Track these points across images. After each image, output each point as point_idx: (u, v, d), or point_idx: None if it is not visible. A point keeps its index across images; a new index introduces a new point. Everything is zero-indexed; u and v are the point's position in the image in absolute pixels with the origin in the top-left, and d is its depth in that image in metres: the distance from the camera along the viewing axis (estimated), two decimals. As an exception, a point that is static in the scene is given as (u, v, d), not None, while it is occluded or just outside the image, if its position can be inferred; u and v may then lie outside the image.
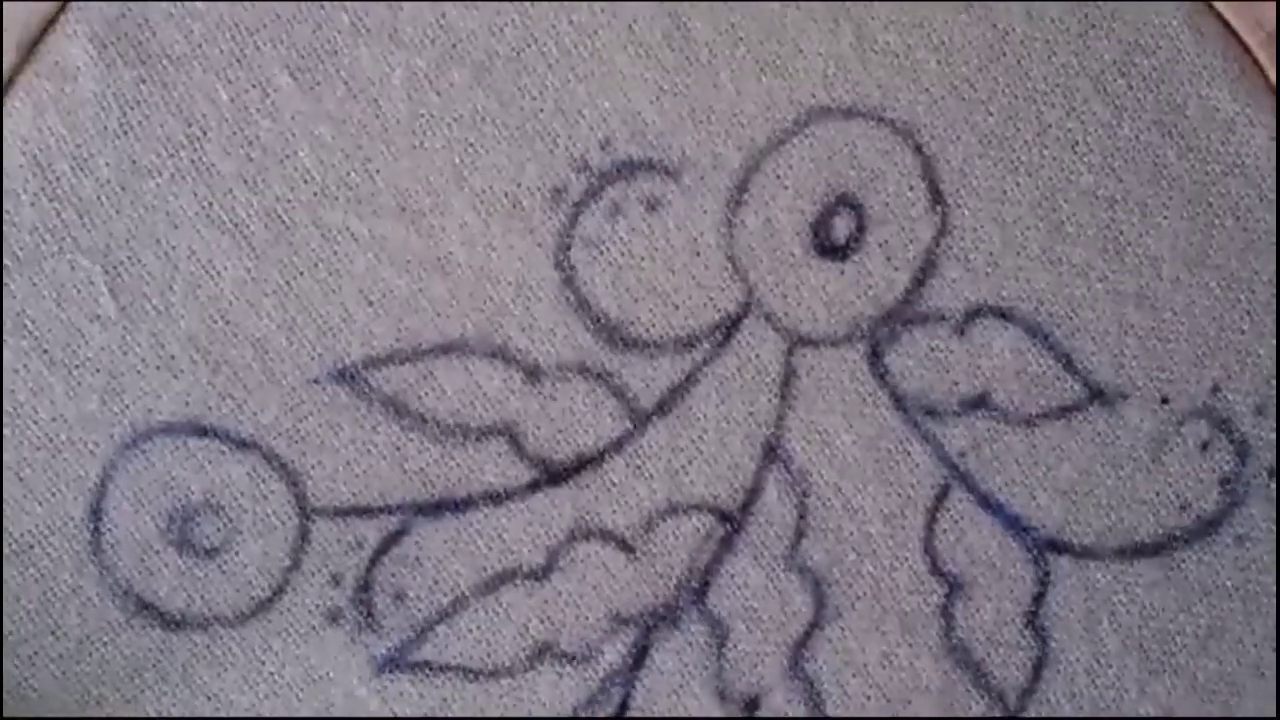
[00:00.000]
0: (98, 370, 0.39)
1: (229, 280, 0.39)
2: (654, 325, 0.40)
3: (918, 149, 0.41)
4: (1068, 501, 0.41)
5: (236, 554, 0.40)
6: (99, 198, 0.39)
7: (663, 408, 0.41)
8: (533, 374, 0.40)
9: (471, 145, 0.40)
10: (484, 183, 0.40)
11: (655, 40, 0.40)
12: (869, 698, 0.41)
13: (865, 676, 0.41)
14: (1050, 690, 0.42)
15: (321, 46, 0.39)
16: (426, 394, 0.40)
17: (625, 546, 0.41)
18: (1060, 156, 0.41)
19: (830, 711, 0.41)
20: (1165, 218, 0.41)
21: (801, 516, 0.41)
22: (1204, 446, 0.41)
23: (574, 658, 0.41)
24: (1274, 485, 0.42)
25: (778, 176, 0.40)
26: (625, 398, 0.40)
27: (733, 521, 0.41)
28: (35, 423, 0.39)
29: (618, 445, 0.40)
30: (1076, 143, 0.41)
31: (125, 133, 0.39)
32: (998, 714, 0.42)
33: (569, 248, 0.40)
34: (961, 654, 0.42)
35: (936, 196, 0.41)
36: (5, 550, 0.39)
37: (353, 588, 0.40)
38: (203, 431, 0.39)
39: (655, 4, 0.40)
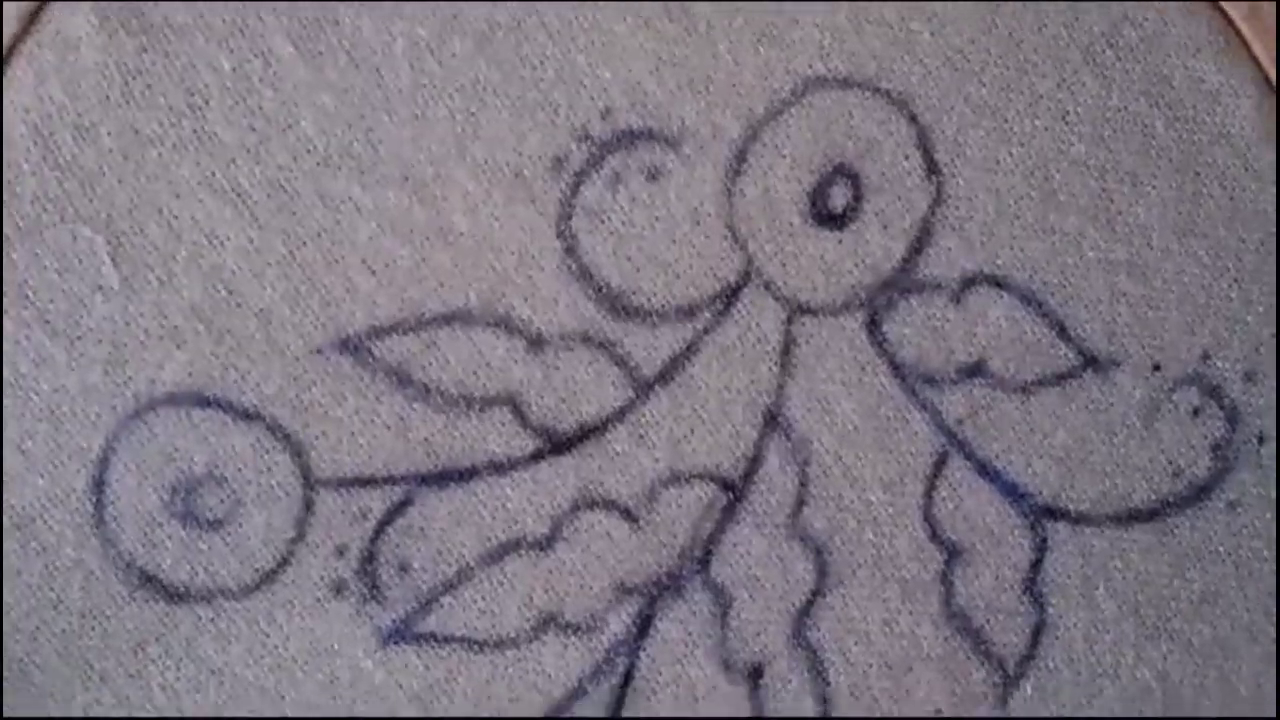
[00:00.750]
0: (100, 341, 0.40)
1: (232, 250, 0.40)
2: (655, 294, 0.42)
3: (913, 119, 0.42)
4: (1063, 468, 0.43)
5: (240, 526, 0.41)
6: (101, 167, 0.40)
7: (664, 377, 0.42)
8: (536, 343, 0.41)
9: (473, 115, 0.41)
10: (486, 152, 0.41)
11: (654, 11, 0.41)
12: (871, 665, 0.43)
13: (867, 644, 0.43)
14: (1049, 656, 0.43)
15: (324, 16, 0.40)
16: (430, 364, 0.41)
17: (629, 516, 0.42)
18: (1052, 126, 0.42)
19: (833, 679, 0.42)
20: (1154, 187, 0.43)
21: (802, 484, 0.42)
22: (1195, 413, 0.43)
23: (579, 628, 0.42)
24: (1263, 451, 0.43)
25: (776, 146, 0.42)
26: (627, 366, 0.42)
27: (735, 490, 0.42)
28: (37, 394, 0.40)
29: (620, 414, 0.42)
30: (1067, 113, 0.42)
31: (127, 102, 0.40)
32: (998, 680, 0.43)
33: (571, 217, 0.41)
34: (961, 621, 0.43)
35: (931, 166, 0.42)
36: (6, 524, 0.40)
37: (357, 559, 0.41)
38: (206, 402, 0.40)
39: (655, -25, 0.41)
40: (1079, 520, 0.43)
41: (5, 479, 0.40)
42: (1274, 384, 0.43)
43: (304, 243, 0.40)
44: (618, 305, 0.42)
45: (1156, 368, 0.43)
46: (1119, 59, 0.43)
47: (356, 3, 0.40)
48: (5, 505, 0.40)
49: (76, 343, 0.40)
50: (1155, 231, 0.43)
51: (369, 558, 0.41)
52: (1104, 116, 0.43)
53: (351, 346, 0.41)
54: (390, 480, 0.41)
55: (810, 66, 0.42)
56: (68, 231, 0.40)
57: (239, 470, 0.41)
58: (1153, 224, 0.43)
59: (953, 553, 0.43)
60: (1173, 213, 0.43)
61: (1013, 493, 0.43)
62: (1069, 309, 0.43)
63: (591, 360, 0.41)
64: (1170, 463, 0.43)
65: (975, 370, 0.43)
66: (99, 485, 0.40)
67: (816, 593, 0.43)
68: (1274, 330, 0.43)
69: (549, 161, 0.41)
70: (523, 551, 0.42)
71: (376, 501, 0.41)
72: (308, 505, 0.41)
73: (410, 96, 0.41)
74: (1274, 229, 0.43)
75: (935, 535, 0.43)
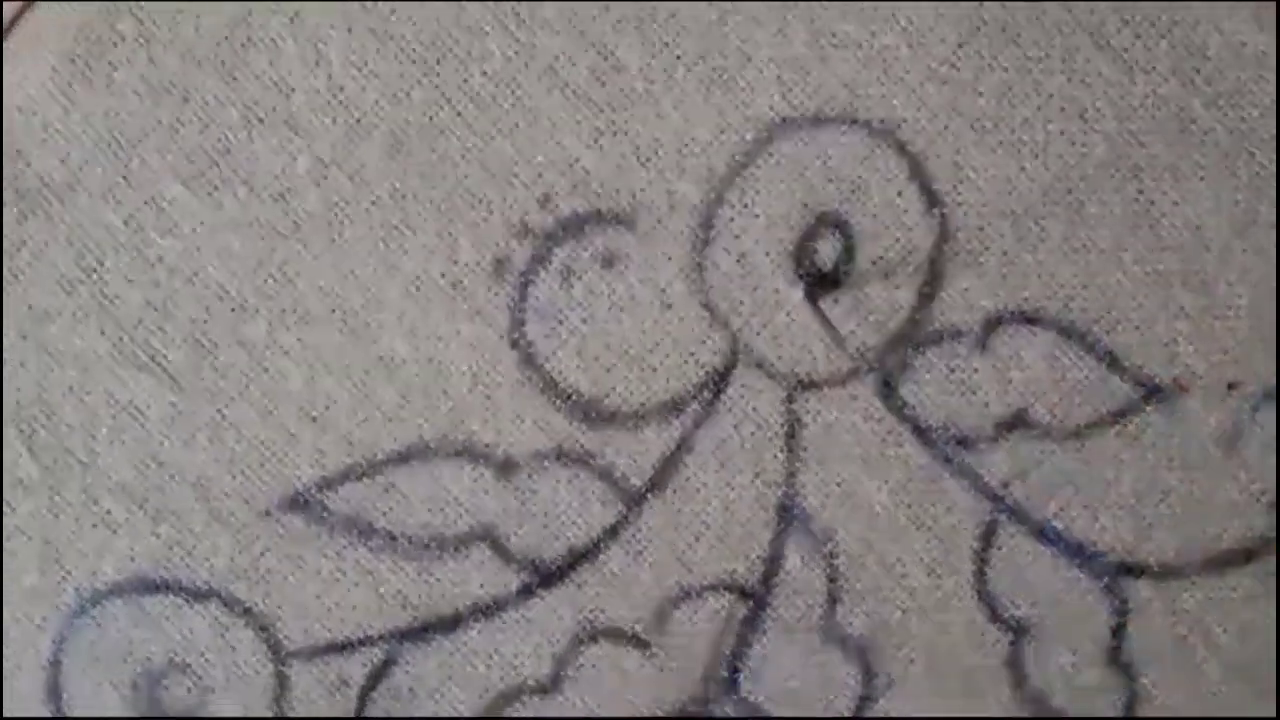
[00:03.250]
0: (30, 539, 0.41)
1: (155, 420, 0.40)
2: (632, 394, 0.41)
3: (901, 148, 0.41)
4: (1136, 518, 0.42)
5: (213, 714, 0.41)
6: (-1, 352, 0.40)
7: (656, 484, 0.41)
8: (505, 469, 0.41)
9: (396, 228, 0.40)
10: (417, 267, 0.40)
11: (581, 77, 0.40)
12: (941, 769, 0.41)
13: (932, 747, 0.41)
14: (1148, 732, 0.42)
15: (212, 147, 0.40)
16: (391, 508, 0.41)
17: (638, 643, 0.42)
18: (1068, 129, 0.40)
19: (900, 791, 0.41)
20: (1201, 178, 0.41)
21: (832, 581, 0.41)
22: (1285, 431, 0.41)
23: (602, 774, 0.41)
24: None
25: (745, 205, 0.41)
26: (612, 479, 0.41)
27: (755, 597, 0.41)
28: (-26, 604, 0.40)
29: (612, 533, 0.41)
30: (1084, 110, 0.40)
31: (15, 278, 0.40)
32: (1091, 765, 0.41)
33: (523, 323, 0.41)
34: (1039, 706, 0.42)
35: (931, 198, 0.41)
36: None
37: (345, 732, 0.41)
38: (155, 587, 0.41)
39: (575, 37, 0.39)
40: (1163, 575, 0.42)
41: (-44, 700, 0.40)
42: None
43: (231, 399, 0.40)
44: (590, 413, 0.41)
45: (1231, 386, 0.41)
46: (1137, 37, 0.40)
47: (246, 126, 0.39)
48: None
49: (6, 545, 0.40)
50: (1208, 231, 0.41)
51: (358, 729, 0.41)
52: (1129, 108, 0.40)
53: (301, 503, 0.41)
54: (367, 641, 0.41)
55: (771, 108, 0.40)
56: (-25, 428, 0.40)
57: (202, 654, 0.41)
58: (1204, 223, 0.41)
59: (1019, 632, 0.42)
60: (1227, 206, 0.41)
61: (1079, 554, 0.41)
62: (1117, 336, 0.41)
63: (570, 478, 0.41)
64: (1263, 492, 0.41)
65: (1015, 423, 0.41)
66: (55, 692, 0.41)
67: (865, 699, 0.42)
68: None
69: (489, 265, 0.40)
70: (526, 698, 0.42)
71: (356, 667, 0.41)
72: (282, 682, 0.41)
73: (323, 220, 0.40)
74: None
75: (995, 615, 0.42)
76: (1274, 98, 0.40)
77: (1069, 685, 0.42)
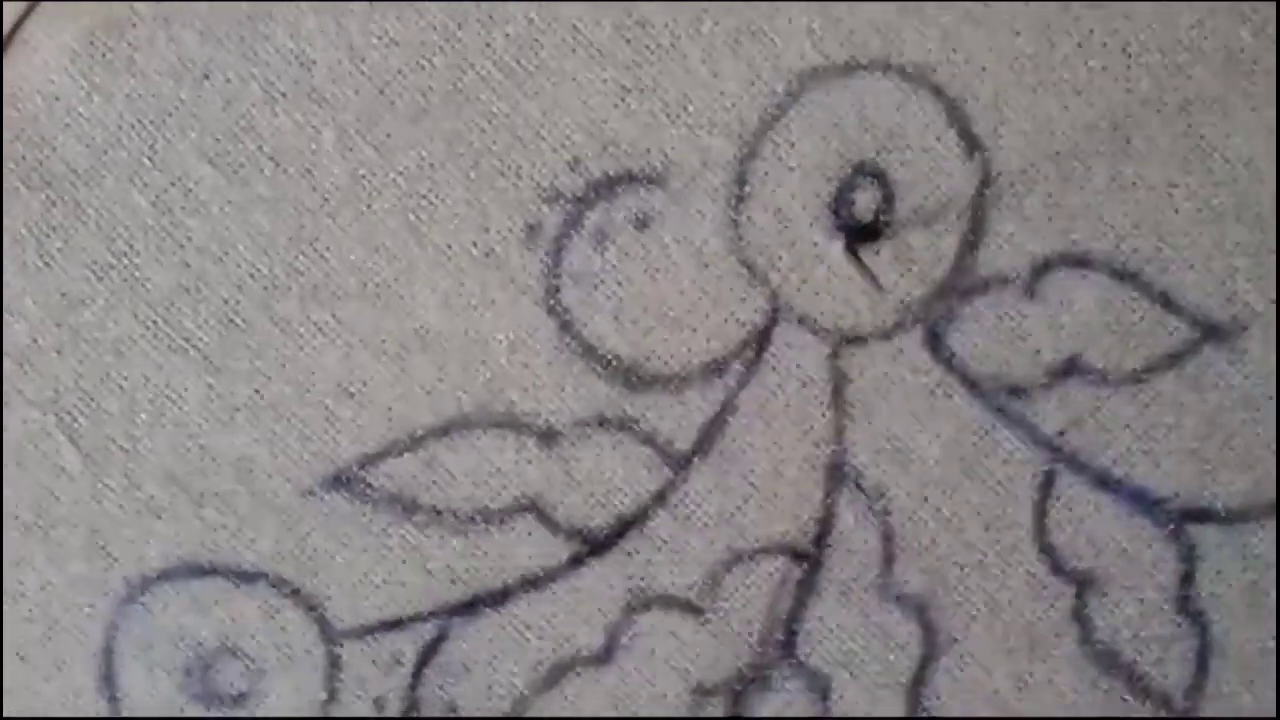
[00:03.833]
0: (75, 527, 0.41)
1: (194, 403, 0.41)
2: (672, 357, 0.41)
3: (938, 92, 0.40)
4: (1199, 461, 0.41)
5: (266, 696, 0.42)
6: (35, 342, 0.40)
7: (702, 447, 0.41)
8: (548, 438, 0.41)
9: (425, 198, 0.40)
10: (448, 237, 0.40)
11: (605, 36, 0.40)
12: (1008, 727, 0.41)
13: (999, 707, 0.41)
14: (1221, 681, 0.42)
15: (236, 124, 0.40)
16: (435, 483, 0.41)
17: (692, 609, 0.42)
18: (1111, 65, 0.40)
19: (966, 750, 0.41)
20: (1252, 109, 0.40)
21: (887, 539, 0.41)
22: (1354, 363, 0.41)
23: (660, 743, 0.41)
24: None
25: (779, 159, 0.40)
26: (656, 444, 0.41)
27: (809, 559, 0.41)
28: (24, 595, 0.41)
29: (659, 498, 0.41)
30: (1127, 44, 0.40)
31: (48, 265, 0.40)
32: (1164, 718, 0.41)
33: (559, 290, 0.40)
34: (1108, 660, 0.42)
35: (971, 142, 0.40)
36: (19, 740, 0.41)
37: (399, 710, 0.42)
38: (202, 571, 0.41)
39: (597, -4, 0.39)
40: (1229, 519, 0.41)
41: (9, 692, 0.41)
42: None
43: (269, 379, 0.41)
44: (632, 378, 0.41)
45: None
46: (1180, -35, 0.39)
47: (270, 101, 0.40)
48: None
49: (51, 534, 0.41)
50: (1261, 163, 0.40)
51: (412, 706, 0.42)
52: (1174, 40, 0.40)
53: (344, 481, 0.41)
54: (418, 618, 0.41)
55: (803, 58, 0.40)
56: (16, 419, 0.40)
57: (253, 637, 0.41)
58: (1256, 156, 0.40)
59: (1083, 583, 0.41)
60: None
61: (1142, 501, 0.41)
62: (1171, 275, 0.41)
63: (614, 445, 0.41)
64: (1331, 430, 0.41)
65: (1069, 369, 0.41)
66: (108, 680, 0.41)
67: (927, 658, 0.42)
68: None
69: (521, 232, 0.40)
70: (580, 670, 0.42)
71: (407, 644, 0.41)
72: (334, 662, 0.41)
73: (350, 193, 0.40)
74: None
75: (1057, 568, 0.41)
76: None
77: (1137, 637, 0.41)
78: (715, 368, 0.41)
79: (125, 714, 0.41)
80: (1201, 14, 0.40)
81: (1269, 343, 0.40)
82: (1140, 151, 0.40)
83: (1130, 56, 0.40)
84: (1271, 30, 0.40)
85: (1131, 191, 0.40)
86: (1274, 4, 0.40)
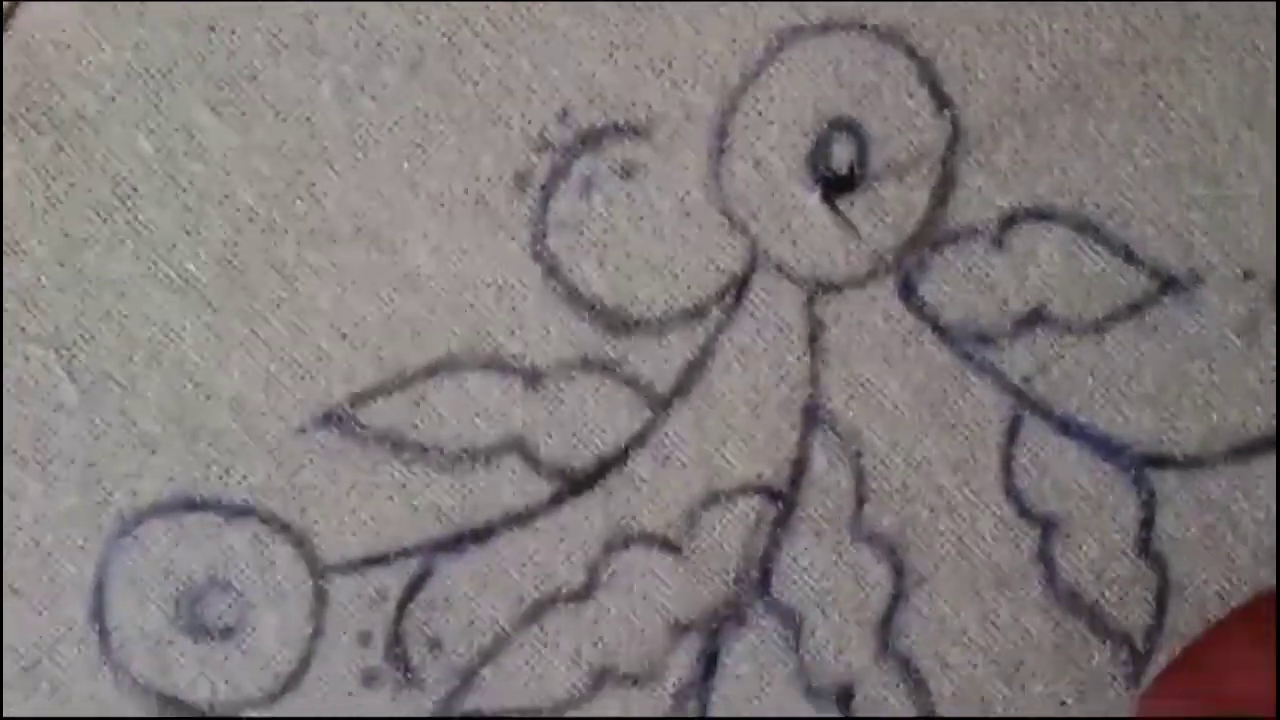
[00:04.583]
0: (72, 461, 0.43)
1: (191, 341, 0.43)
2: (654, 302, 0.43)
3: (910, 51, 0.43)
4: (1159, 409, 0.43)
5: (254, 629, 0.43)
6: (38, 279, 0.42)
7: (681, 389, 0.43)
8: (533, 379, 0.43)
9: (419, 147, 0.42)
10: (440, 184, 0.42)
11: (594, -7, 0.42)
12: (975, 666, 0.43)
13: (965, 644, 0.43)
14: (1180, 622, 0.43)
15: (239, 73, 0.42)
16: (423, 422, 0.43)
17: (670, 547, 0.43)
18: (1072, 28, 0.43)
19: (934, 688, 0.43)
20: (1208, 72, 0.43)
21: (859, 481, 0.43)
22: (1305, 317, 0.43)
23: (638, 678, 0.43)
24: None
25: (759, 113, 0.43)
26: (638, 386, 0.43)
27: (784, 499, 0.43)
28: (19, 528, 0.42)
29: (640, 439, 0.43)
30: (1089, 9, 0.42)
31: (53, 206, 0.42)
32: (1125, 658, 0.43)
33: (545, 235, 0.43)
34: (1071, 600, 0.43)
35: (941, 99, 0.43)
36: (11, 669, 0.43)
37: (384, 644, 0.43)
38: (194, 505, 0.43)
39: (587, -47, 0.42)
40: (1189, 464, 0.43)
41: (4, 623, 0.42)
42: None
43: (264, 319, 0.43)
44: (614, 322, 0.43)
45: (1248, 275, 0.43)
46: (1139, -66, 0.42)
47: (272, 52, 0.42)
48: (7, 650, 0.42)
49: (47, 468, 0.43)
50: (1218, 123, 0.42)
51: (396, 640, 0.43)
52: (1133, 3, 0.42)
53: (335, 419, 0.43)
54: (404, 554, 0.43)
55: (782, 17, 0.43)
56: (17, 354, 0.42)
57: (242, 571, 0.43)
58: (1212, 115, 0.43)
59: (1047, 526, 0.44)
60: (1233, 98, 0.43)
61: (1105, 447, 0.43)
62: (1132, 229, 0.43)
63: (597, 386, 0.43)
64: (1284, 380, 0.43)
65: (1035, 318, 0.43)
66: (99, 612, 0.43)
67: (897, 597, 0.43)
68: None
69: (510, 180, 0.43)
70: (561, 605, 0.43)
71: (393, 579, 0.43)
72: (320, 596, 0.43)
73: (348, 141, 0.42)
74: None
75: (1023, 510, 0.44)
76: (1276, -12, 0.42)
77: (1100, 578, 0.43)
78: (695, 313, 0.43)
79: (115, 647, 0.43)
80: (1159, -20, 0.43)
81: (1225, 295, 0.43)
82: (1101, 110, 0.43)
83: (1091, 20, 0.43)
84: (1225, -4, 0.43)
85: (1093, 148, 0.43)
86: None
